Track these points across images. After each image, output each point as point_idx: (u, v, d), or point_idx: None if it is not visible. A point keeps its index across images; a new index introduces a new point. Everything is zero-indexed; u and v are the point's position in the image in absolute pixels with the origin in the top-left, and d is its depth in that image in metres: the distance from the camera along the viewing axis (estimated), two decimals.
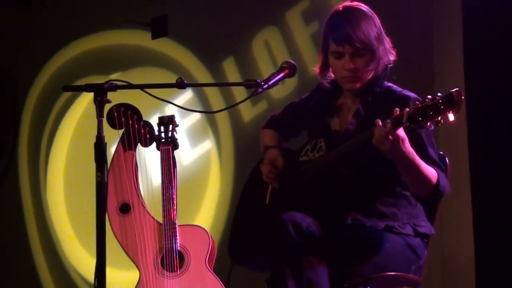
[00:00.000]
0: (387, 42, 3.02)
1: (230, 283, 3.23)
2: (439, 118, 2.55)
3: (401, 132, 2.68)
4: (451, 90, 2.53)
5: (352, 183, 2.86)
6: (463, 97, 2.53)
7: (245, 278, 3.24)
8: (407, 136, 2.73)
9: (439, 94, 2.56)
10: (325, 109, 3.13)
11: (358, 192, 2.89)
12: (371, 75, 3.00)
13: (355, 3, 3.04)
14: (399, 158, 2.74)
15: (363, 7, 3.02)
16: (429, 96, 2.57)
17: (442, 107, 2.53)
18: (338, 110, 3.11)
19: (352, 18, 2.95)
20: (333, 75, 3.10)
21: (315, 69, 3.14)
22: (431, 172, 2.82)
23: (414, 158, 2.76)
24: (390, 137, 2.66)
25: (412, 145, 2.79)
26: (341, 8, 3.02)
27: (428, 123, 2.58)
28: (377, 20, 3.01)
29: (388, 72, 3.05)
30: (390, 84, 3.06)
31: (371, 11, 3.02)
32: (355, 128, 2.98)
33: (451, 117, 2.53)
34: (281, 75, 2.99)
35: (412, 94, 2.96)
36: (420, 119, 2.57)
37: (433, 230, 3.07)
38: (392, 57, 3.03)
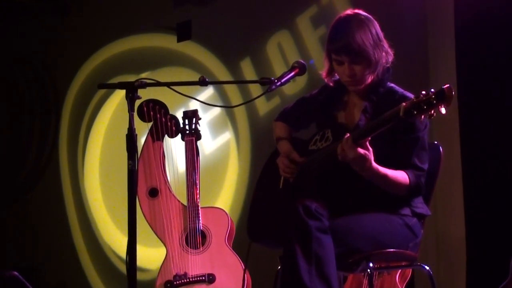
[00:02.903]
0: (385, 44, 2.97)
1: (248, 258, 3.22)
2: (432, 112, 2.54)
3: (361, 150, 2.69)
4: (443, 86, 2.52)
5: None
6: (453, 93, 2.53)
7: (261, 254, 3.24)
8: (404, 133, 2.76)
9: (432, 90, 2.55)
10: (333, 104, 3.12)
11: (362, 178, 2.88)
12: (371, 77, 2.97)
13: (354, 11, 2.99)
14: (361, 171, 2.77)
15: (361, 15, 2.97)
16: (423, 92, 2.56)
17: (434, 101, 2.52)
18: (345, 106, 3.09)
19: (348, 29, 2.90)
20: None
21: (322, 73, 3.10)
22: (399, 178, 2.83)
23: (377, 173, 2.77)
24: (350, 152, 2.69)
25: (400, 147, 2.83)
26: (339, 19, 2.98)
27: (422, 116, 2.57)
28: (375, 26, 2.95)
29: (390, 73, 3.03)
30: (392, 85, 3.03)
31: (369, 17, 2.97)
32: (364, 124, 2.97)
33: (443, 110, 2.53)
34: (292, 73, 2.98)
35: (411, 95, 2.91)
36: (415, 112, 2.57)
37: (429, 211, 3.06)
38: (390, 58, 2.99)
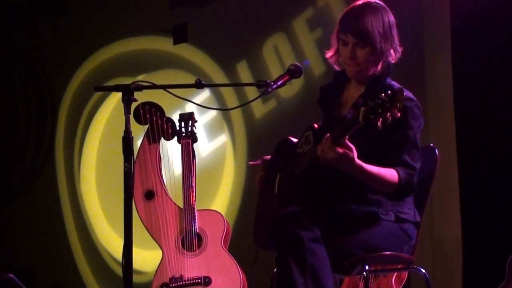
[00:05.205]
0: (396, 40, 2.91)
1: (256, 266, 3.17)
2: (388, 115, 2.47)
3: (341, 150, 2.63)
4: (393, 89, 2.48)
5: (342, 172, 2.78)
6: (404, 94, 2.46)
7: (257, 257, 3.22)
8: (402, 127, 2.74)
9: (389, 92, 2.47)
10: (333, 99, 3.06)
11: (347, 180, 2.82)
12: (372, 69, 2.91)
13: None
14: (345, 170, 2.71)
15: (378, 3, 2.92)
16: (383, 95, 2.48)
17: (388, 105, 2.46)
18: (344, 100, 3.02)
19: (360, 12, 2.86)
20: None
21: (327, 52, 3.02)
22: (387, 176, 2.76)
23: (363, 171, 2.71)
24: (331, 152, 2.64)
25: (391, 144, 2.78)
26: (357, 3, 2.92)
27: (380, 120, 2.48)
28: (389, 18, 2.89)
29: (391, 69, 2.95)
30: (392, 82, 2.95)
31: (386, 8, 2.91)
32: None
33: (398, 114, 2.46)
34: (289, 76, 2.97)
35: (409, 94, 2.86)
36: (372, 117, 2.49)
37: (419, 217, 2.97)
38: (397, 55, 2.93)
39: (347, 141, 2.64)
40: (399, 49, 2.93)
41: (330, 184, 2.85)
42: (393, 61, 2.94)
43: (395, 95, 2.45)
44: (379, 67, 2.93)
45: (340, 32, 2.91)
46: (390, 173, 2.77)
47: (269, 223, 3.07)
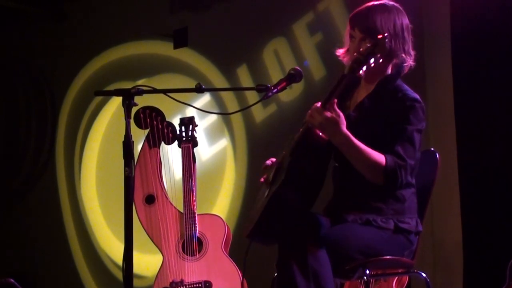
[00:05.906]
0: (408, 44, 2.90)
1: (245, 264, 3.13)
2: (371, 61, 2.62)
3: (329, 113, 2.67)
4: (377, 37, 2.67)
5: (346, 175, 2.79)
6: (412, 95, 2.73)
7: (258, 261, 3.22)
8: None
9: (368, 44, 2.66)
10: (341, 103, 3.05)
11: (348, 188, 2.82)
12: (382, 67, 2.87)
13: (390, 1, 2.94)
14: (331, 138, 2.73)
15: (394, 5, 2.91)
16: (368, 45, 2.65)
17: (371, 50, 2.62)
18: (351, 105, 2.98)
19: (371, 9, 2.87)
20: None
21: (338, 50, 3.00)
22: (374, 155, 2.73)
23: (349, 141, 2.71)
24: (318, 115, 2.68)
25: (386, 134, 2.77)
26: (371, 2, 2.93)
27: (364, 68, 2.62)
28: (402, 19, 2.88)
29: (401, 72, 2.93)
30: (404, 84, 2.93)
31: (399, 9, 2.90)
32: (355, 116, 2.91)
33: (380, 59, 2.66)
34: (289, 80, 2.96)
35: (413, 95, 2.85)
36: (356, 66, 2.62)
37: (421, 226, 2.94)
38: (409, 59, 2.90)
39: (335, 106, 2.68)
40: (412, 53, 2.92)
41: (316, 168, 2.82)
42: (406, 65, 2.91)
43: (377, 41, 2.61)
44: (389, 69, 2.92)
45: (350, 28, 2.91)
46: (378, 155, 2.74)
47: (257, 213, 3.01)
